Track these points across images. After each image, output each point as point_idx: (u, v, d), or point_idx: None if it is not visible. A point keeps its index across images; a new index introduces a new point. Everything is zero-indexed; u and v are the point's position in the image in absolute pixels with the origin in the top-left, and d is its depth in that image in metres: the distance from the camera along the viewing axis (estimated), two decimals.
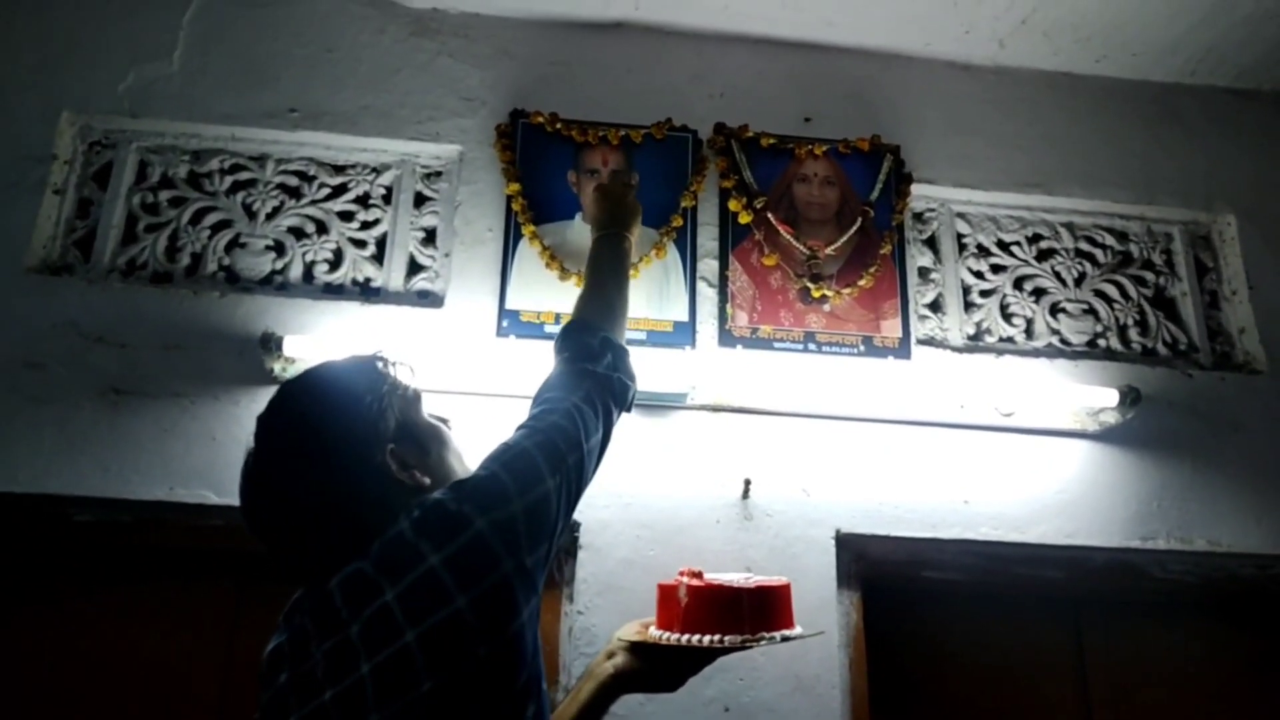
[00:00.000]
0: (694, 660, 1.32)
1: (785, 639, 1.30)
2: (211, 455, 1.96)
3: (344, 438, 1.13)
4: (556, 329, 2.10)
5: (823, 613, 1.96)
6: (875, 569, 2.08)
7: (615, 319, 1.57)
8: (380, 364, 1.23)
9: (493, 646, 0.99)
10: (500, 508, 1.05)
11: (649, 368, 2.03)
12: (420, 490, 1.13)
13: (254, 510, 1.15)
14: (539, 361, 2.00)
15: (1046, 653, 2.22)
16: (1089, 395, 2.13)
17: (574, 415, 1.24)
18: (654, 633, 1.32)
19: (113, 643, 1.97)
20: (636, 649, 1.33)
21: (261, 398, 1.97)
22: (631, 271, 1.85)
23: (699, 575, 1.33)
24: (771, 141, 2.36)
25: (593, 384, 1.34)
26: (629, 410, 1.43)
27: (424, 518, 1.04)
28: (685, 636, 1.26)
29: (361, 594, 1.00)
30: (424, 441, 1.20)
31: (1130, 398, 2.11)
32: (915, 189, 2.38)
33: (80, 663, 1.95)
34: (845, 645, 1.98)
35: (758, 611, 1.29)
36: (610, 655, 1.36)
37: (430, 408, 1.28)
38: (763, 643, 1.27)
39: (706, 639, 1.25)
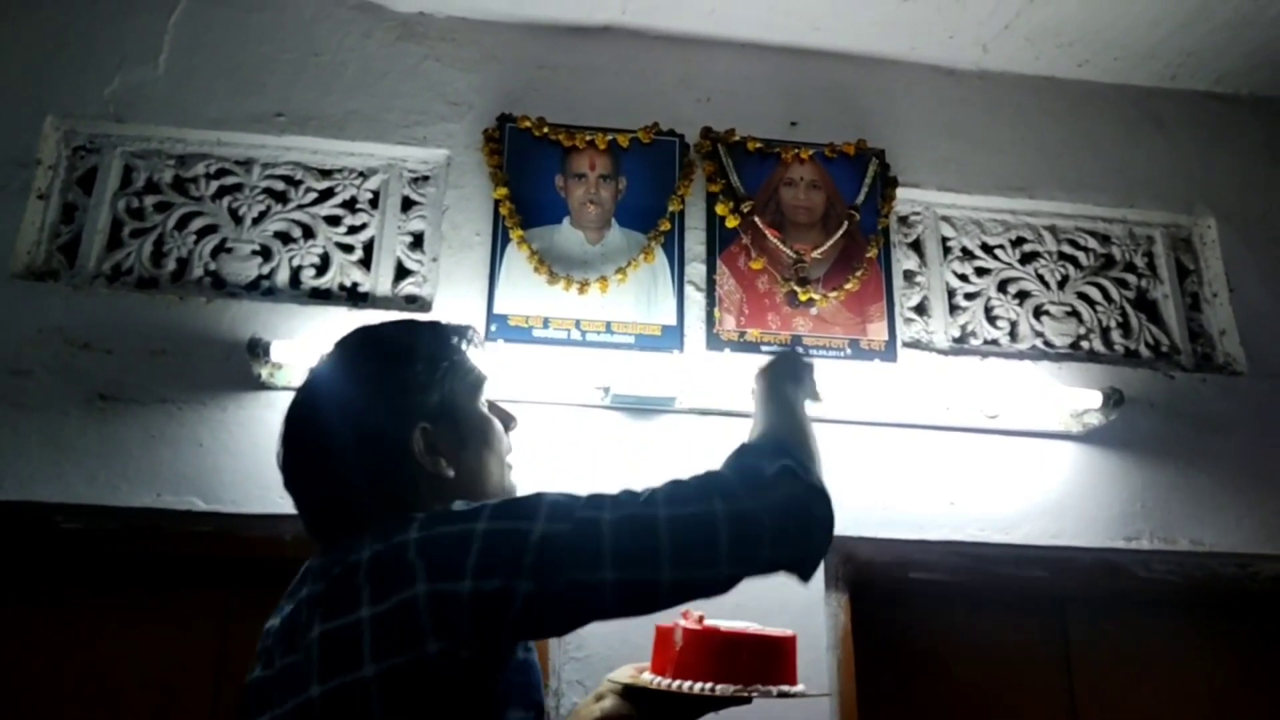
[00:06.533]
0: (686, 709, 1.22)
1: (783, 694, 1.21)
2: (199, 461, 1.95)
3: (376, 400, 1.06)
4: (545, 333, 2.13)
5: (811, 615, 1.97)
6: (863, 571, 2.09)
7: (813, 453, 1.10)
8: (456, 338, 1.14)
9: None
10: (448, 580, 0.87)
11: (636, 372, 2.05)
12: (441, 481, 1.04)
13: (281, 441, 1.09)
14: (527, 365, 2.03)
15: (1033, 651, 2.24)
16: (1073, 397, 2.15)
17: (635, 531, 0.91)
18: (647, 677, 1.24)
19: (102, 652, 1.95)
20: (628, 693, 1.24)
21: (249, 403, 1.99)
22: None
23: (700, 619, 1.25)
24: (758, 145, 2.37)
25: (723, 513, 0.93)
26: (805, 578, 0.99)
27: (383, 555, 0.90)
28: (676, 683, 1.18)
29: (305, 619, 0.92)
30: (465, 433, 1.09)
31: (1113, 399, 2.13)
32: (900, 193, 2.40)
33: (69, 673, 1.93)
34: (833, 647, 1.99)
35: (757, 661, 1.20)
36: (599, 698, 1.26)
37: (495, 398, 1.19)
38: (756, 695, 1.19)
39: (698, 686, 1.16)
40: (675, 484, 0.98)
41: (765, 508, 0.95)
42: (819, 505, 0.99)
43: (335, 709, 0.86)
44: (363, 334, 1.14)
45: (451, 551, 0.88)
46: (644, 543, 0.91)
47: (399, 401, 1.06)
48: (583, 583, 0.90)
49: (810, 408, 1.29)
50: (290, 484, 1.08)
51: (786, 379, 1.29)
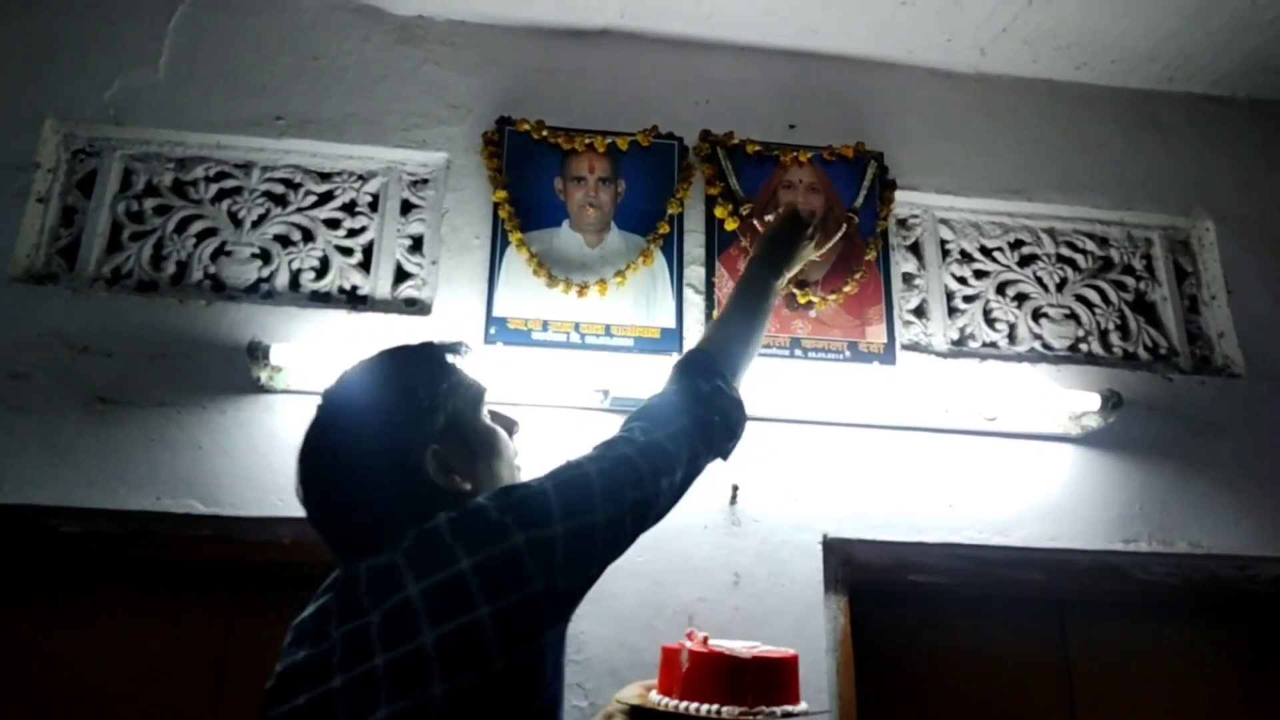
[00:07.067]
0: None
1: (787, 715, 1.28)
2: (198, 464, 1.95)
3: (383, 431, 1.12)
4: (545, 335, 2.13)
5: (810, 617, 1.97)
6: (862, 573, 2.09)
7: (739, 366, 1.48)
8: (450, 355, 1.22)
9: (509, 662, 0.97)
10: (541, 527, 1.03)
11: (636, 375, 2.05)
12: (459, 495, 1.10)
13: (299, 477, 1.14)
14: (527, 368, 2.03)
15: (1032, 654, 2.24)
16: (1071, 399, 2.15)
17: (653, 452, 1.19)
18: (654, 698, 1.30)
19: (101, 656, 1.95)
20: (636, 714, 1.30)
21: (248, 406, 1.99)
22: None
23: (705, 641, 1.30)
24: (757, 148, 2.37)
25: (691, 424, 1.27)
26: (725, 459, 1.37)
27: (463, 519, 1.02)
28: (685, 704, 1.24)
29: (386, 584, 0.99)
30: (473, 446, 1.18)
31: (1112, 401, 2.13)
32: (899, 195, 2.40)
33: (68, 677, 1.93)
34: (832, 650, 1.99)
35: (761, 683, 1.27)
36: (609, 717, 1.34)
37: (496, 407, 1.27)
38: (760, 717, 1.25)
39: (706, 708, 1.23)
40: (647, 415, 1.27)
41: (712, 413, 1.31)
42: (739, 413, 1.38)
43: (453, 650, 0.94)
44: (360, 370, 1.19)
45: (533, 506, 1.05)
46: (665, 458, 1.20)
47: (406, 430, 1.12)
48: (640, 499, 1.14)
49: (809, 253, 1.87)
50: (315, 521, 1.13)
51: (780, 256, 1.75)
